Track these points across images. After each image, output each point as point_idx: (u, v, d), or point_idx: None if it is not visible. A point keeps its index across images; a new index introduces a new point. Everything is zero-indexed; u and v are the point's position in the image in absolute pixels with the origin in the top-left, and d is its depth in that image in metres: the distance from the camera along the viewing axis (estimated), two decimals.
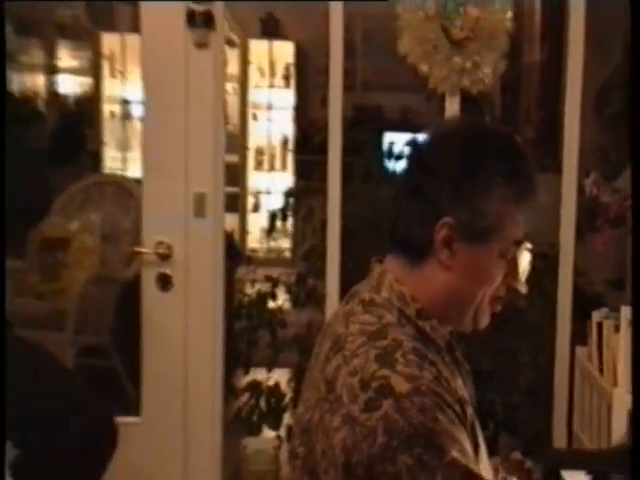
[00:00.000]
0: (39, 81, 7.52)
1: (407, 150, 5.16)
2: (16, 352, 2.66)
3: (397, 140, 6.09)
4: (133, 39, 6.32)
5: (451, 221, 1.54)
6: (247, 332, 4.64)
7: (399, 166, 5.61)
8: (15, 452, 2.79)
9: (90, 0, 7.24)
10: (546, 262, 3.70)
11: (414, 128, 6.12)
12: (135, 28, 4.08)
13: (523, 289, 1.65)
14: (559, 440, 3.56)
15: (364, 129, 6.24)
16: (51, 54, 7.49)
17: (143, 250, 3.34)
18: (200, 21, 3.20)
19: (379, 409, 1.40)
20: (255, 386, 4.37)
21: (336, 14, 3.36)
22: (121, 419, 2.85)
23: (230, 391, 4.13)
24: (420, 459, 1.37)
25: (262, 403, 4.33)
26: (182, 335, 3.32)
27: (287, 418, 4.24)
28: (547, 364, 3.76)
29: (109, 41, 7.59)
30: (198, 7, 3.19)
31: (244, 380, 4.48)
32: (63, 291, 4.96)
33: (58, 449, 2.62)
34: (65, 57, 7.59)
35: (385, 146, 5.99)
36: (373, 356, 1.47)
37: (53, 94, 7.55)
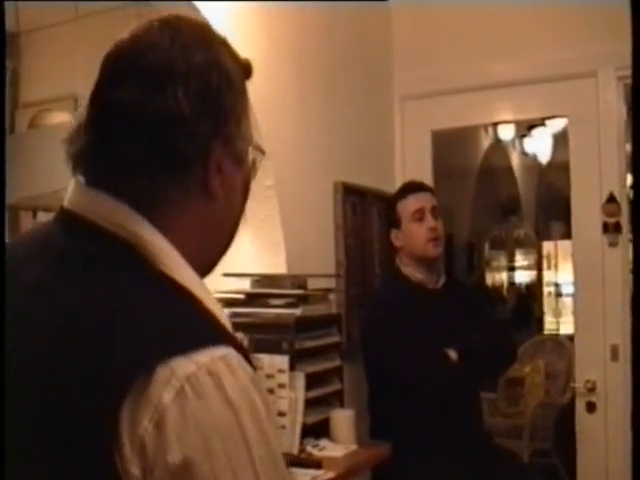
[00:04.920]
0: (503, 276, 7.78)
1: None
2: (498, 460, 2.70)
3: None
4: (565, 243, 6.41)
5: None
6: None
7: None
8: None
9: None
10: None
11: None
12: (567, 236, 4.15)
13: None
14: None
15: None
16: (511, 259, 7.78)
17: (576, 385, 3.15)
18: (612, 228, 3.18)
19: None
20: None
21: None
22: None
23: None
24: None
25: None
26: (604, 443, 3.12)
27: None
28: None
29: (547, 246, 7.76)
30: (610, 219, 3.06)
31: None
32: (521, 413, 4.93)
33: None
34: (519, 259, 7.81)
35: None
36: None
37: (511, 283, 7.77)
